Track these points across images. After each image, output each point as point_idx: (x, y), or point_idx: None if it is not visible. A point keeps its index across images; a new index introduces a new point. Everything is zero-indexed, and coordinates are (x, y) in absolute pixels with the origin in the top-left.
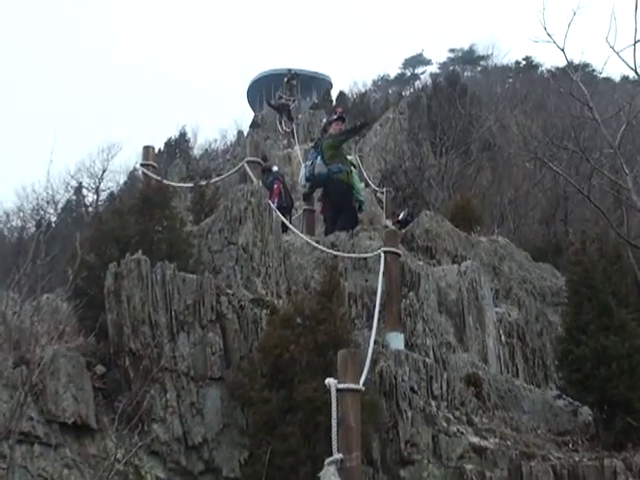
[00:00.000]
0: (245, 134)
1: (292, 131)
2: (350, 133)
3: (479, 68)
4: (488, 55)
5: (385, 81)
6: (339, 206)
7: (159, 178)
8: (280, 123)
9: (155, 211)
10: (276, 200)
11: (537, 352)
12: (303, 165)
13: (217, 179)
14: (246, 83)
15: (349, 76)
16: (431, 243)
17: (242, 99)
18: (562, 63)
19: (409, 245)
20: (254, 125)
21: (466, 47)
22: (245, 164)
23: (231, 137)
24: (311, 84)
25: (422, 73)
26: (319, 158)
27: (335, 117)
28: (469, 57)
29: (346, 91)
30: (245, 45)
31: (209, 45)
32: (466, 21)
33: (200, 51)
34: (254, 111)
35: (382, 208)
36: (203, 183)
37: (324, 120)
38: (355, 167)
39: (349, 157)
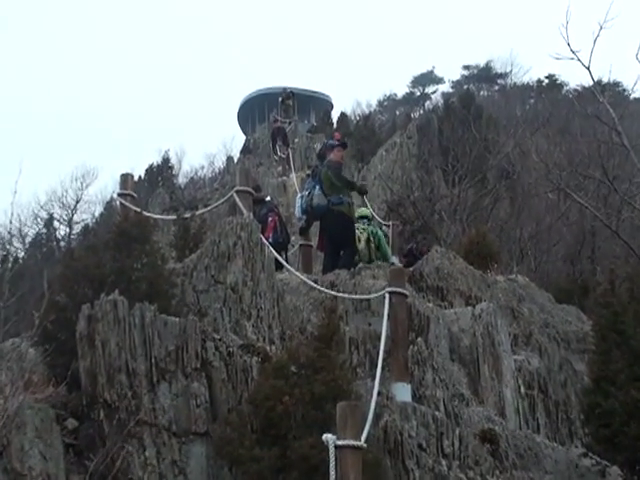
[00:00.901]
0: (235, 160)
1: (288, 157)
2: (350, 184)
3: (496, 87)
4: (506, 73)
5: (392, 101)
6: (339, 242)
7: (138, 209)
8: (274, 148)
9: (134, 246)
10: (270, 235)
11: (561, 405)
12: (299, 196)
13: (204, 210)
14: (237, 103)
15: (352, 96)
16: (442, 283)
17: (232, 121)
18: (589, 82)
19: (417, 285)
20: (245, 150)
21: (482, 64)
22: (235, 194)
23: (220, 163)
24: (309, 104)
25: (433, 92)
26: (317, 188)
27: (337, 143)
28: (485, 75)
29: (348, 112)
30: (237, 62)
31: (197, 62)
32: (482, 35)
33: (187, 68)
34: (245, 134)
35: (387, 244)
36: (188, 215)
37: (319, 145)
38: (370, 220)
39: (363, 210)
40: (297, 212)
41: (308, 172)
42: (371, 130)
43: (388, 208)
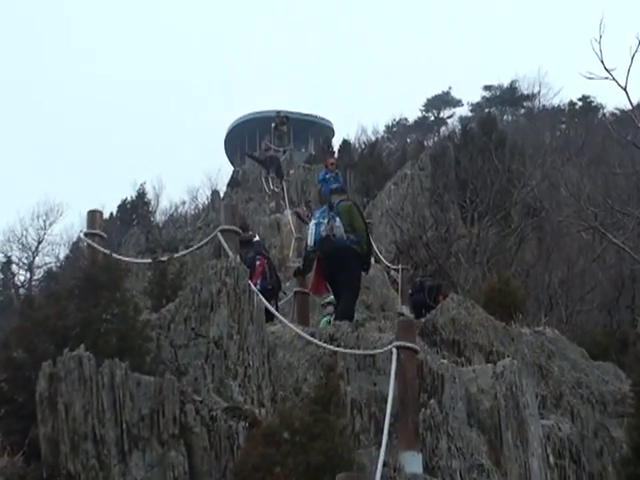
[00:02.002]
0: (222, 195)
1: (282, 191)
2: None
3: (522, 110)
4: (533, 94)
5: (402, 127)
6: (344, 283)
7: (108, 251)
8: (267, 181)
9: (102, 294)
10: (258, 281)
11: (595, 477)
12: (313, 222)
13: (184, 252)
14: (224, 130)
15: (355, 120)
16: (459, 336)
17: (218, 150)
18: (627, 105)
19: (430, 339)
20: (233, 183)
21: (505, 84)
22: (219, 234)
23: (204, 199)
24: (307, 131)
25: (449, 117)
26: (338, 220)
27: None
28: (509, 96)
29: (351, 139)
30: (225, 82)
31: (178, 80)
32: (505, 52)
33: (166, 88)
34: (233, 165)
35: (397, 290)
36: (166, 258)
37: (328, 175)
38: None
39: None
40: (310, 240)
41: (321, 208)
42: (378, 160)
43: (397, 250)
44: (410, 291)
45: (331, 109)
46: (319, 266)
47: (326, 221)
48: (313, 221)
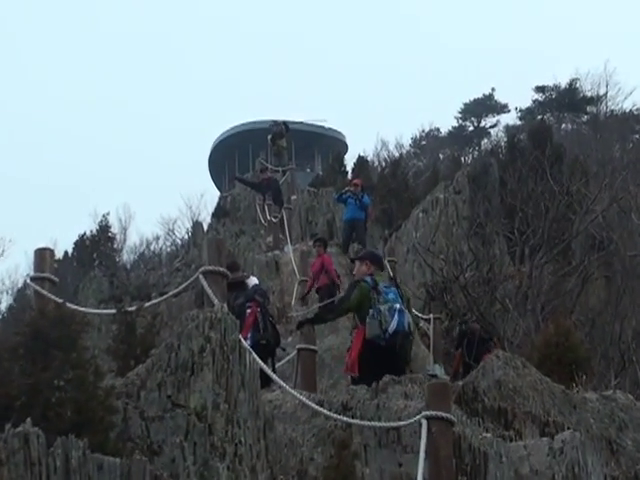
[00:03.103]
0: (205, 227)
1: (282, 221)
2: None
3: (584, 117)
4: (599, 97)
5: (433, 139)
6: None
7: (62, 300)
8: (262, 209)
9: (54, 354)
10: (249, 334)
11: None
12: (396, 306)
13: (158, 300)
14: (208, 145)
15: (374, 132)
16: (506, 403)
17: (202, 171)
18: None
19: (469, 407)
20: (220, 213)
21: (563, 84)
22: (202, 276)
23: (182, 233)
24: (312, 145)
25: (492, 126)
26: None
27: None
28: (568, 100)
29: (369, 156)
30: (214, 87)
31: (152, 87)
32: (563, 45)
33: (137, 95)
34: (220, 190)
35: (427, 346)
36: (134, 308)
37: (346, 195)
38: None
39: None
40: (390, 325)
41: (384, 284)
42: (403, 181)
43: (428, 295)
44: (457, 346)
45: (343, 119)
46: (364, 347)
47: (397, 305)
48: (391, 303)
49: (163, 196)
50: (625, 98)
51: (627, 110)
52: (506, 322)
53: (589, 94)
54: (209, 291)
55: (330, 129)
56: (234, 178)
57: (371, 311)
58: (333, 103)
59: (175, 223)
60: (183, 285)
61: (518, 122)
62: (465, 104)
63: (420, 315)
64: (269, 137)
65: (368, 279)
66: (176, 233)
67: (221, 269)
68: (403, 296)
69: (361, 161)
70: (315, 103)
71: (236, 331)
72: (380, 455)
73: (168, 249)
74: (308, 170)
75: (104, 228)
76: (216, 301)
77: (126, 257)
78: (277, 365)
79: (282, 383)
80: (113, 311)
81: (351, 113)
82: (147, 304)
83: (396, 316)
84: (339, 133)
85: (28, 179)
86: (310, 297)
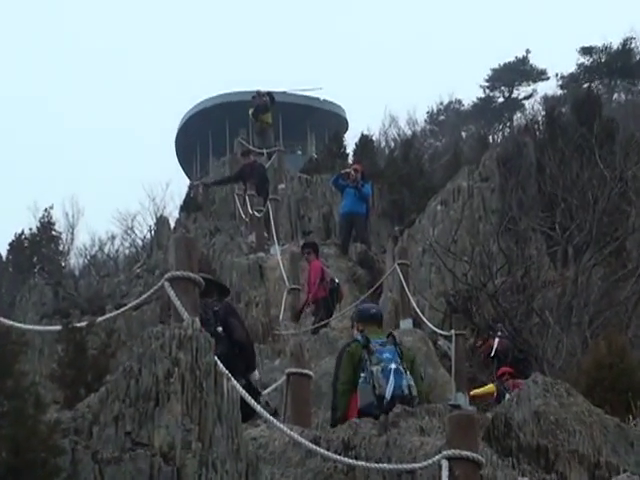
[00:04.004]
0: (171, 224)
1: (267, 215)
2: None
3: None
4: None
5: (454, 114)
6: None
7: None
8: (243, 201)
9: None
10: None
11: None
12: (391, 366)
13: (114, 314)
14: (175, 123)
15: (381, 105)
16: (546, 440)
17: (167, 154)
18: None
19: (501, 444)
20: (190, 206)
21: (615, 44)
22: (167, 284)
23: (144, 231)
24: (304, 121)
25: (527, 97)
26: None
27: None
28: (621, 63)
29: (375, 134)
30: (187, 51)
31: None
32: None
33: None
34: (189, 177)
35: (448, 370)
36: (84, 324)
37: (342, 181)
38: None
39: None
40: (386, 391)
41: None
42: (417, 167)
43: (448, 306)
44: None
45: (342, 89)
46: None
47: (399, 366)
48: (386, 363)
49: (120, 186)
50: None
51: None
52: (546, 339)
53: None
54: (177, 302)
55: (326, 101)
56: (205, 187)
57: (363, 375)
58: (330, 70)
59: (135, 219)
60: (145, 295)
61: (559, 92)
62: (493, 70)
63: (439, 331)
64: (250, 111)
65: (359, 337)
66: (136, 231)
67: (192, 275)
68: (403, 356)
69: (365, 141)
70: (307, 70)
71: (210, 352)
72: None
73: (126, 251)
74: (299, 152)
75: (46, 225)
76: (185, 315)
77: (74, 261)
78: (263, 393)
79: (268, 416)
80: (58, 328)
81: (352, 82)
82: (100, 319)
83: (391, 378)
84: (337, 106)
85: None
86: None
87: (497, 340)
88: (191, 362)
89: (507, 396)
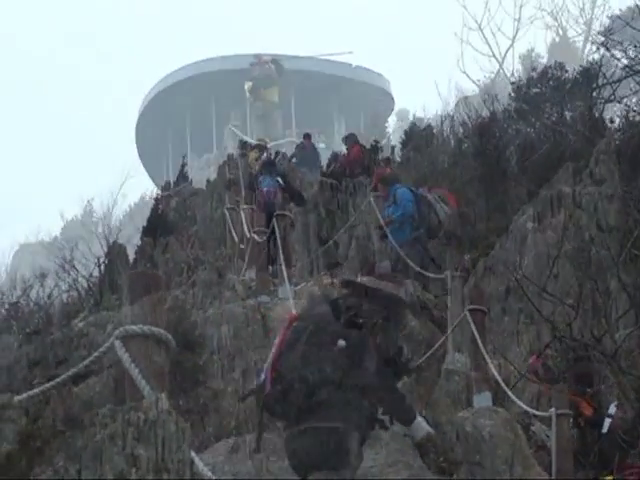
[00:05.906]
0: (131, 254)
1: (271, 237)
2: None
3: None
4: None
5: (552, 84)
6: None
7: None
8: (234, 220)
9: None
10: None
11: None
12: None
13: (37, 391)
14: (136, 105)
15: (442, 73)
16: None
17: (124, 147)
18: None
19: None
20: (156, 226)
21: None
22: (118, 344)
23: (90, 264)
24: (328, 97)
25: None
26: None
27: None
28: None
29: (429, 115)
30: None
31: None
32: None
33: None
34: (154, 181)
35: (546, 470)
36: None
37: None
38: None
39: None
40: None
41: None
42: (496, 163)
43: (547, 372)
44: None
45: (381, 54)
46: None
47: None
48: None
49: (54, 197)
50: None
51: None
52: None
53: None
54: (134, 372)
55: (360, 68)
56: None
57: None
58: (364, 32)
59: (76, 247)
60: (87, 360)
61: None
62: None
63: (532, 411)
64: (247, 86)
65: None
66: (78, 266)
67: (156, 330)
68: None
69: (413, 128)
70: (335, 34)
71: (184, 444)
72: None
73: (64, 295)
74: (322, 145)
75: None
76: (147, 389)
77: None
78: None
79: None
80: None
81: (395, 46)
82: (19, 397)
83: None
84: (377, 76)
85: None
86: None
87: (608, 420)
88: (155, 460)
89: None
